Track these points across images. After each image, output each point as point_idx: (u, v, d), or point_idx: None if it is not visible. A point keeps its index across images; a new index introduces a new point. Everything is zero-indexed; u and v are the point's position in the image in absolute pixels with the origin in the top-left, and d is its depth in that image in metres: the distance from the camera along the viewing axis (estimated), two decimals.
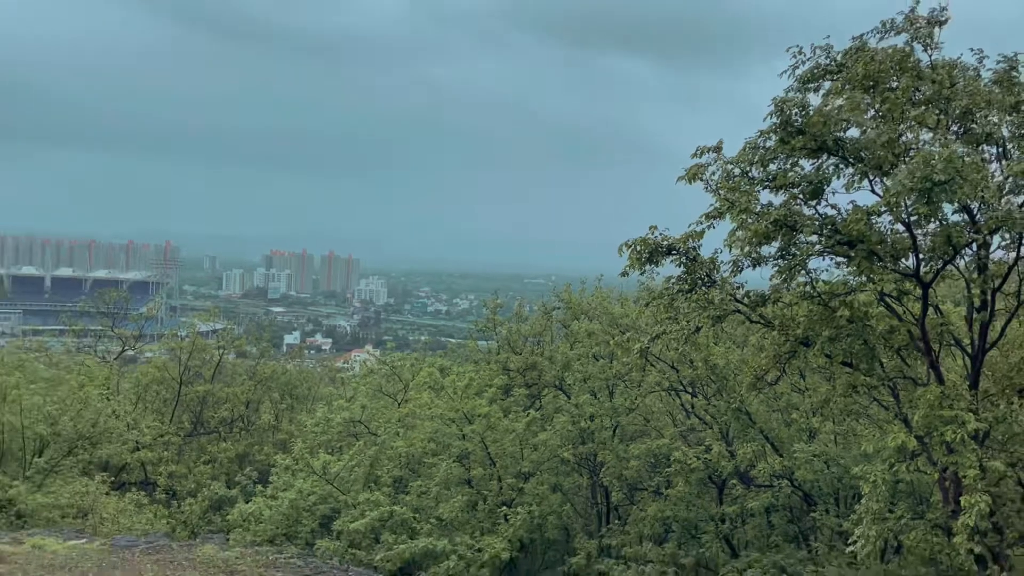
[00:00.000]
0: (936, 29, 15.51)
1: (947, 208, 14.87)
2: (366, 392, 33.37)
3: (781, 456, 23.60)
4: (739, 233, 15.12)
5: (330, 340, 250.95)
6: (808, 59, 15.72)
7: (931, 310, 16.18)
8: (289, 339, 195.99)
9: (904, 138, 14.81)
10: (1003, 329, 16.23)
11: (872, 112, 15.07)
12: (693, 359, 25.25)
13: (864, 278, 15.52)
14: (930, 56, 15.55)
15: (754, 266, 15.84)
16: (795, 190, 15.59)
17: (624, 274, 16.45)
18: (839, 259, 15.93)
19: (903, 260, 15.70)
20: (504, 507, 25.29)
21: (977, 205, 14.94)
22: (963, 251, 15.53)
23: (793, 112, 15.25)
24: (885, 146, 14.44)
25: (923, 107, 14.97)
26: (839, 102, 15.01)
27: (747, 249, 15.30)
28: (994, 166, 15.13)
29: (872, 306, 16.06)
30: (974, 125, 15.08)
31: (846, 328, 15.76)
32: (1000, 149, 15.40)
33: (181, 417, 37.60)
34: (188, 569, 16.08)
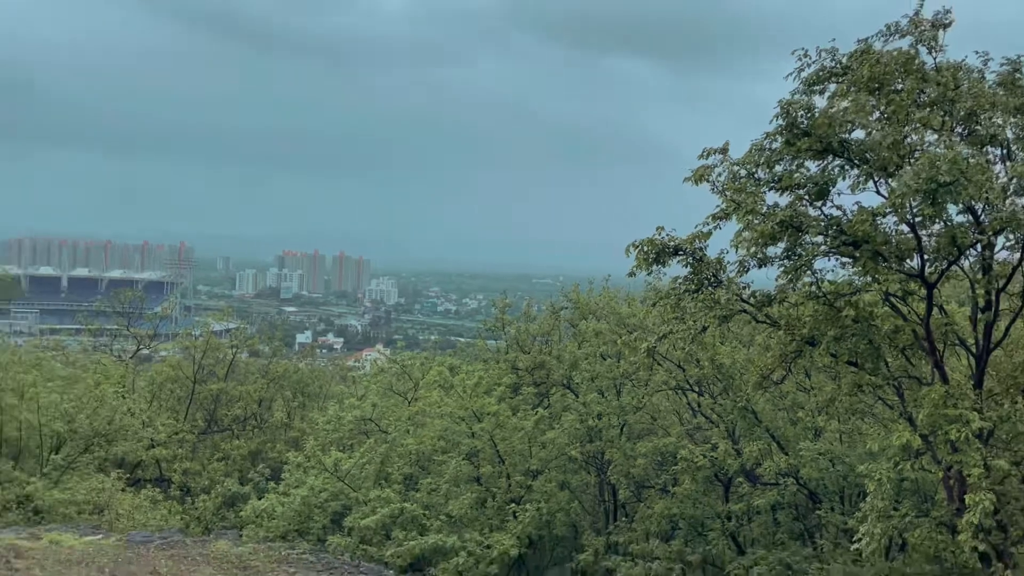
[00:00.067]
0: (940, 32, 15.45)
1: (952, 209, 14.84)
2: (377, 390, 33.40)
3: (787, 454, 23.55)
4: (745, 234, 15.09)
5: (341, 339, 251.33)
6: (813, 62, 15.67)
7: (936, 310, 16.12)
8: (301, 338, 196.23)
9: (909, 140, 14.77)
10: (1007, 329, 16.15)
11: (877, 114, 15.03)
12: (700, 358, 25.20)
13: (869, 278, 15.47)
14: (934, 59, 15.50)
15: (760, 266, 15.82)
16: (801, 191, 15.56)
17: (631, 274, 16.44)
18: (844, 259, 15.89)
19: (908, 260, 15.65)
20: (513, 504, 25.30)
21: (981, 206, 14.89)
22: (968, 252, 15.48)
23: (799, 114, 15.22)
24: (890, 148, 14.39)
25: (928, 109, 14.92)
26: (844, 104, 14.96)
27: (753, 250, 15.27)
28: (998, 167, 15.06)
29: (877, 306, 16.00)
30: (978, 127, 15.02)
31: (851, 328, 15.71)
32: (1004, 151, 15.34)
33: (195, 415, 37.72)
34: (202, 564, 16.12)
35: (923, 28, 15.35)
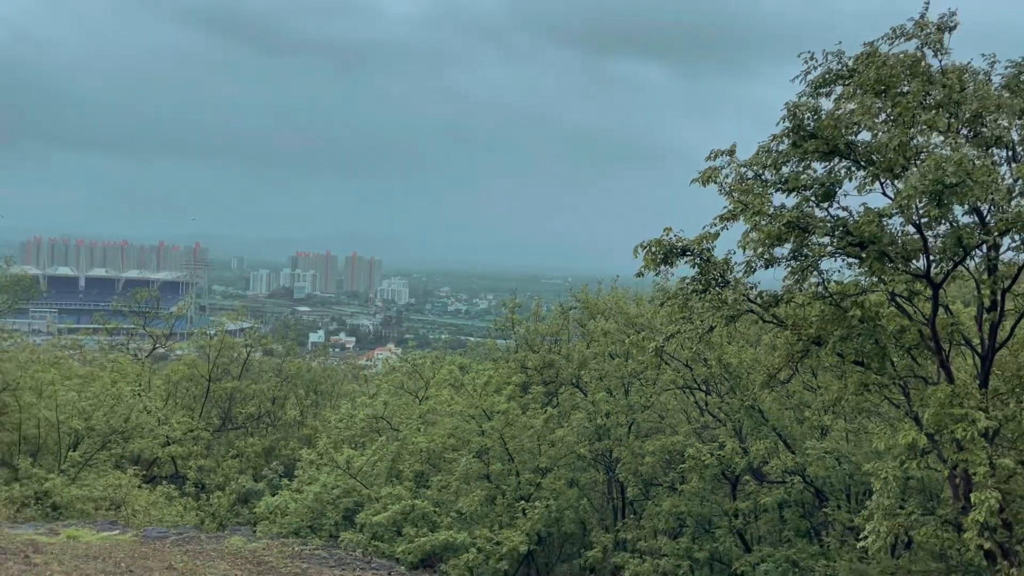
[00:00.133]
0: (946, 35, 15.38)
1: (958, 210, 14.76)
2: (388, 389, 33.41)
3: (793, 453, 23.49)
4: (752, 235, 15.05)
5: (353, 339, 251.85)
6: (819, 65, 15.63)
7: (941, 310, 16.05)
8: (314, 337, 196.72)
9: (915, 142, 14.70)
10: (1012, 329, 16.08)
11: (883, 116, 14.97)
12: (707, 358, 25.16)
13: (875, 279, 15.41)
14: (940, 61, 15.43)
15: (767, 267, 15.77)
16: (807, 192, 15.51)
17: (639, 275, 16.41)
18: (851, 260, 15.83)
19: (914, 261, 15.58)
20: (522, 501, 25.28)
21: (987, 207, 14.82)
22: (973, 252, 15.39)
23: (806, 116, 15.18)
24: (897, 149, 14.33)
25: (934, 111, 14.85)
26: (851, 106, 14.91)
27: (760, 250, 15.23)
28: (1004, 169, 14.98)
29: (883, 306, 15.94)
30: (984, 129, 14.94)
31: (858, 328, 15.65)
32: (1010, 152, 15.26)
33: (210, 413, 37.82)
34: (217, 560, 16.16)
35: (929, 31, 15.29)
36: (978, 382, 15.46)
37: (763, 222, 14.96)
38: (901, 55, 15.07)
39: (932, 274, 15.58)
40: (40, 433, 27.97)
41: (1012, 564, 14.61)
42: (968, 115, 14.77)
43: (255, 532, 21.44)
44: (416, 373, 33.97)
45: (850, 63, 15.40)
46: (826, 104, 15.46)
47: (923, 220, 14.87)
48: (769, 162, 15.51)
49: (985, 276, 15.38)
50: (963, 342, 16.69)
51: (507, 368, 31.85)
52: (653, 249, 15.79)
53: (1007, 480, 15.16)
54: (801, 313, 16.45)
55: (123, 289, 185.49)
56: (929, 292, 15.73)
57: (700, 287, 16.05)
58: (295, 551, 17.84)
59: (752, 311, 16.78)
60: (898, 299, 15.89)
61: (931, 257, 15.48)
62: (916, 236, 15.32)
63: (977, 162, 13.49)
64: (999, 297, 15.45)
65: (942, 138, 14.72)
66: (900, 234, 15.51)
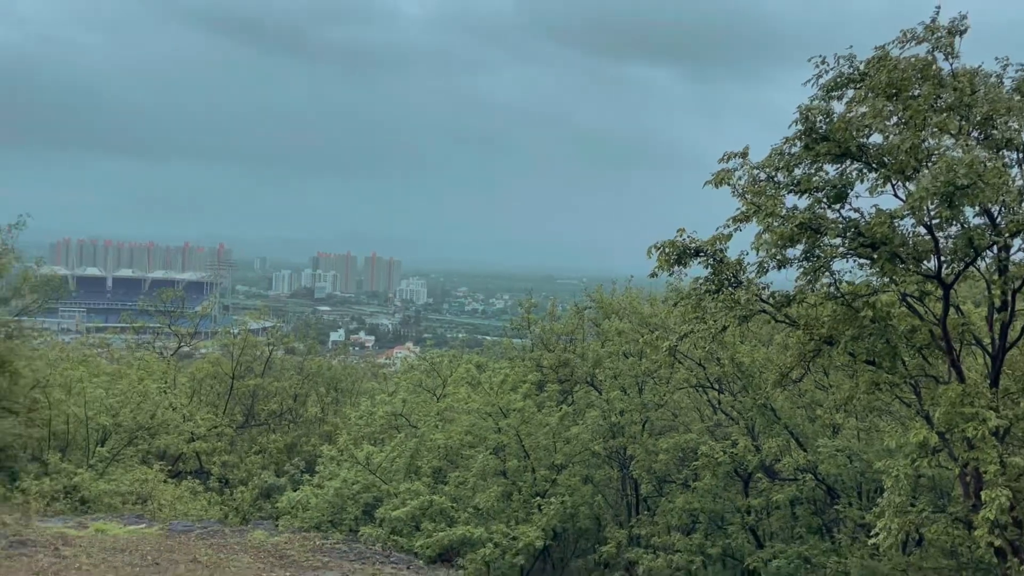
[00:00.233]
0: (956, 38, 15.26)
1: (969, 212, 14.65)
2: (407, 387, 33.47)
3: (805, 451, 23.36)
4: (765, 236, 14.99)
5: (373, 338, 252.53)
6: (831, 68, 15.53)
7: (952, 310, 15.92)
8: (334, 336, 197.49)
9: (926, 144, 14.60)
10: (1023, 329, 15.94)
11: (895, 119, 14.87)
12: (720, 357, 25.06)
13: (887, 279, 15.30)
14: (951, 64, 15.30)
15: (779, 268, 15.69)
16: (819, 194, 15.42)
17: (653, 275, 16.37)
18: (862, 261, 15.73)
19: (925, 262, 15.46)
20: (538, 497, 25.26)
21: (998, 208, 14.70)
22: (984, 253, 15.27)
23: (817, 119, 15.10)
24: (908, 152, 14.23)
25: (945, 114, 14.73)
26: (862, 109, 14.82)
27: (773, 251, 15.16)
28: (1015, 171, 14.86)
29: (895, 306, 15.83)
30: (995, 131, 14.81)
31: (869, 328, 15.55)
32: (1020, 154, 15.12)
33: (233, 410, 38.00)
34: (240, 553, 16.23)
35: (940, 35, 15.17)
36: (989, 381, 15.33)
37: (776, 223, 14.89)
38: (912, 59, 14.96)
39: (943, 275, 15.46)
40: (69, 429, 28.16)
41: (1022, 561, 14.49)
42: (979, 118, 14.63)
43: (277, 526, 21.50)
44: (434, 371, 34.01)
45: (861, 67, 15.30)
46: (838, 107, 15.39)
47: (934, 221, 14.77)
48: (781, 164, 15.43)
49: (996, 277, 15.26)
50: (974, 342, 16.55)
51: (523, 367, 31.84)
52: (667, 250, 15.75)
53: (1017, 478, 14.99)
54: (813, 313, 16.35)
55: (149, 289, 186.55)
56: (940, 292, 15.61)
57: (713, 287, 15.99)
58: (316, 545, 17.89)
59: (764, 311, 16.71)
60: (909, 299, 15.77)
61: (942, 258, 15.37)
62: (927, 237, 15.21)
63: (988, 164, 13.39)
64: (1010, 297, 15.31)
65: (953, 141, 14.61)
66: (911, 235, 15.41)
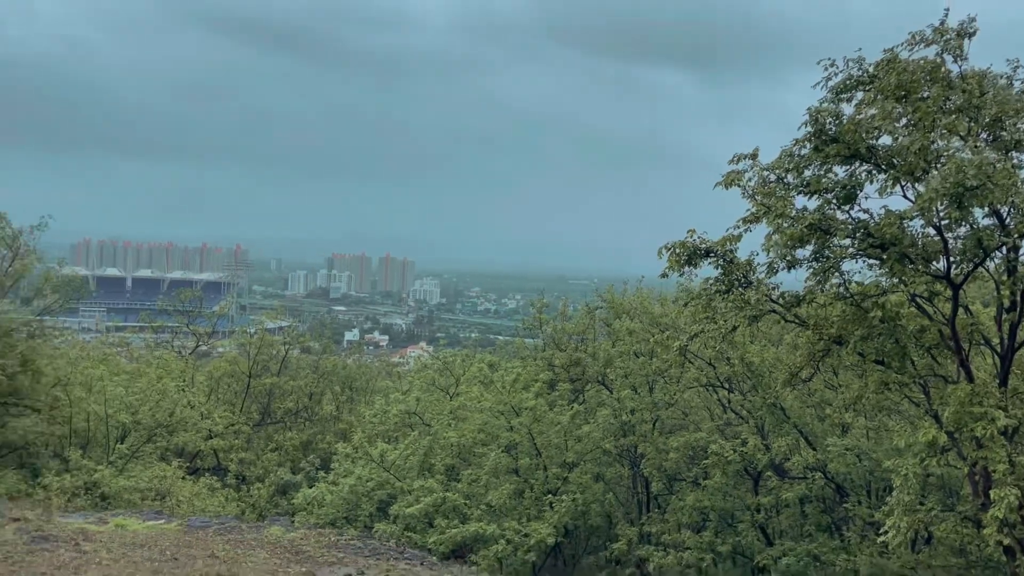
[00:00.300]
0: (965, 41, 15.15)
1: (978, 212, 14.54)
2: (420, 386, 33.50)
3: (814, 449, 23.25)
4: (775, 237, 14.93)
5: (387, 337, 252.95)
6: (840, 71, 15.45)
7: (961, 311, 15.83)
8: (349, 336, 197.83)
9: (935, 145, 14.51)
10: None
11: (904, 121, 14.79)
12: (730, 357, 24.99)
13: (896, 280, 15.23)
14: (960, 67, 15.20)
15: (789, 268, 15.64)
16: (829, 195, 15.36)
17: (664, 275, 16.32)
18: (872, 261, 15.65)
19: (934, 262, 15.37)
20: (549, 495, 25.25)
21: (1007, 209, 14.60)
22: (993, 254, 15.17)
23: (827, 121, 15.03)
24: (917, 153, 14.15)
25: (954, 115, 14.65)
26: (872, 111, 14.75)
27: (782, 252, 15.11)
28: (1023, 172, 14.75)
29: (904, 307, 15.75)
30: (1004, 133, 14.72)
31: (878, 328, 15.47)
32: None
33: (250, 408, 38.12)
34: (257, 548, 16.28)
35: (948, 37, 15.08)
36: (998, 381, 15.22)
37: (785, 224, 14.83)
38: (921, 61, 14.87)
39: (952, 275, 15.37)
40: (90, 426, 28.32)
41: None
42: (988, 119, 14.55)
43: (293, 522, 21.57)
44: (447, 370, 34.04)
45: (871, 69, 15.21)
46: (847, 109, 15.32)
47: (943, 222, 14.68)
48: (791, 166, 15.38)
49: (1005, 277, 15.14)
50: (983, 342, 16.45)
51: (535, 366, 31.83)
52: (677, 251, 15.71)
53: None
54: (823, 313, 16.29)
55: (168, 289, 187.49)
56: (949, 293, 15.52)
57: (723, 287, 15.95)
58: (331, 541, 17.93)
59: (774, 311, 16.65)
60: (918, 299, 15.69)
61: (951, 258, 15.27)
62: (936, 238, 15.13)
63: (998, 165, 13.29)
64: (1019, 298, 15.20)
65: (962, 142, 14.52)
66: (920, 236, 15.32)
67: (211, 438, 32.17)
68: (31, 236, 26.82)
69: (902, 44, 15.22)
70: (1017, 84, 15.04)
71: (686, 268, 15.97)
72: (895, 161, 14.78)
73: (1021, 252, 15.14)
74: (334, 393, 40.24)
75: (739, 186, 15.66)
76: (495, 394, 27.66)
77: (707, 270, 16.21)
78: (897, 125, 14.67)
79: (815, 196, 15.42)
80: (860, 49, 15.43)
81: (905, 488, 14.54)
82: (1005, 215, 14.70)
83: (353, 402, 40.83)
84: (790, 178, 15.55)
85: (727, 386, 26.71)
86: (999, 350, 15.79)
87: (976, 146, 14.02)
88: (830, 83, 15.46)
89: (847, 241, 15.27)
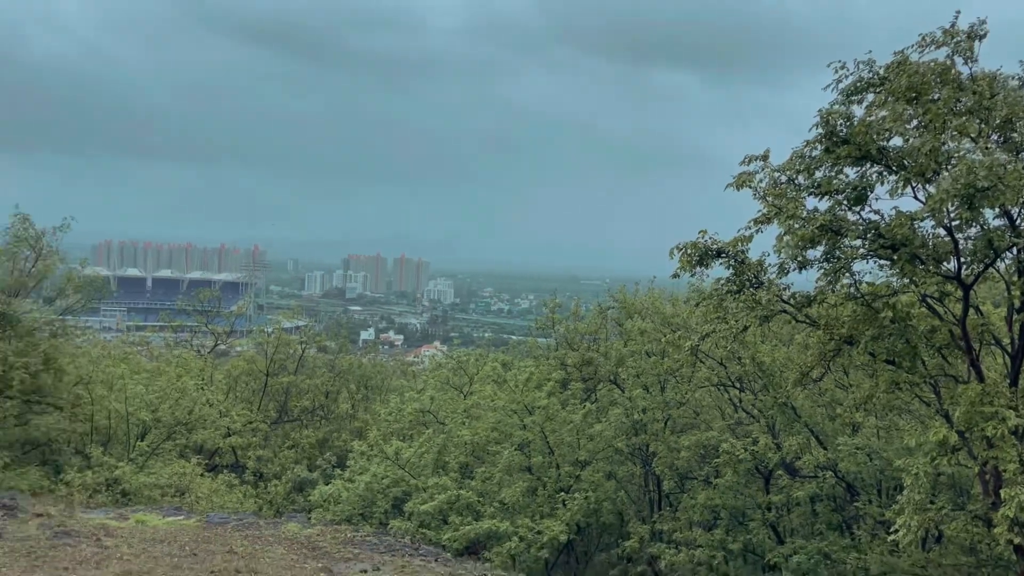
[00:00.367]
0: (976, 43, 15.05)
1: (988, 213, 14.45)
2: (435, 384, 33.56)
3: (825, 449, 23.14)
4: (786, 237, 14.87)
5: (402, 336, 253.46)
6: (851, 73, 15.38)
7: (972, 311, 15.73)
8: (364, 335, 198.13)
9: (946, 147, 14.42)
10: None
11: (915, 122, 14.71)
12: (741, 356, 24.90)
13: (907, 280, 15.15)
14: (970, 68, 15.10)
15: (800, 269, 15.58)
16: (840, 196, 15.29)
17: (675, 276, 16.28)
18: (882, 262, 15.57)
19: (945, 263, 15.28)
20: (562, 493, 25.23)
21: (1018, 210, 14.51)
22: (1004, 254, 15.07)
23: (838, 123, 14.97)
24: (928, 154, 14.07)
25: (964, 117, 14.55)
26: (882, 113, 14.67)
27: (794, 252, 15.05)
28: None
29: (914, 307, 15.66)
30: (1014, 134, 14.62)
31: (889, 328, 15.38)
32: None
33: (268, 406, 38.24)
34: (274, 544, 16.32)
35: (959, 39, 14.98)
36: (1008, 381, 15.11)
37: (796, 225, 14.77)
38: (932, 63, 14.78)
39: (963, 276, 15.27)
40: (111, 424, 28.49)
41: None
42: (999, 121, 14.44)
43: (310, 519, 21.60)
44: (461, 369, 34.07)
45: (881, 71, 15.13)
46: (858, 111, 15.24)
47: (954, 223, 14.58)
48: (802, 167, 15.31)
49: (1015, 278, 15.05)
50: (993, 342, 16.34)
51: (547, 365, 31.82)
52: (689, 251, 15.68)
53: None
54: (833, 313, 16.21)
55: (187, 289, 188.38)
56: (960, 293, 15.42)
57: (735, 288, 15.90)
58: (347, 537, 17.95)
59: (785, 311, 16.58)
60: (929, 300, 15.60)
61: (962, 259, 15.17)
62: (947, 239, 15.03)
63: (1008, 167, 13.20)
64: None
65: (973, 144, 14.43)
66: (931, 237, 15.23)
67: (229, 436, 32.28)
68: (54, 237, 26.98)
69: (912, 46, 15.13)
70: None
71: (697, 268, 15.93)
72: (906, 162, 14.69)
73: None
74: (350, 392, 40.33)
75: (750, 187, 15.62)
76: (508, 393, 27.66)
77: (718, 270, 16.18)
78: (908, 127, 14.59)
79: (826, 197, 15.35)
80: (870, 52, 15.37)
81: (916, 487, 14.45)
82: (1016, 216, 14.61)
83: (368, 400, 40.91)
84: (801, 179, 15.49)
85: (738, 385, 26.61)
86: (1010, 350, 15.68)
87: (987, 147, 13.94)
88: (841, 85, 15.39)
89: (858, 242, 15.19)
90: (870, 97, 15.24)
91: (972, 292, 15.53)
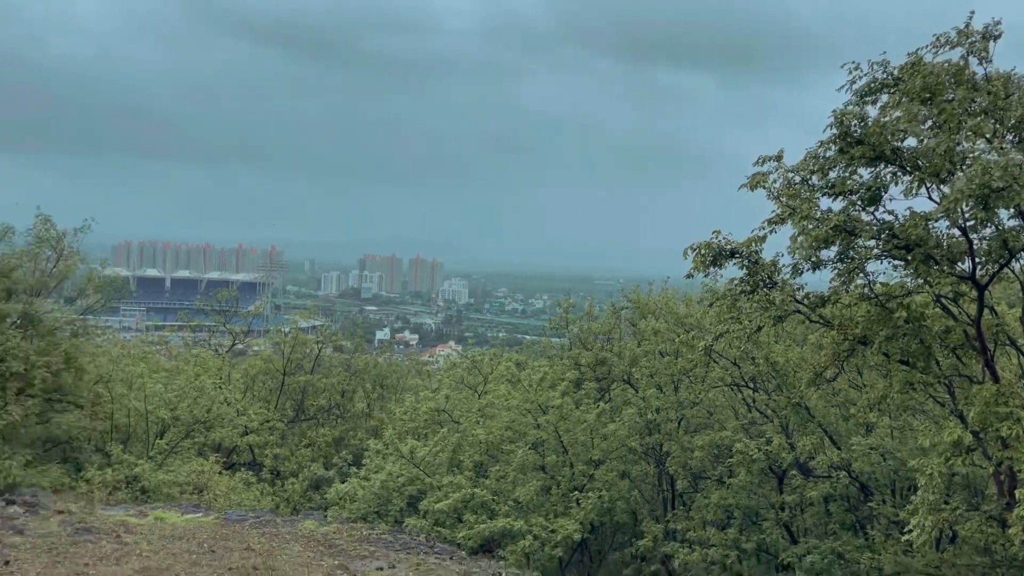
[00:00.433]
0: (991, 43, 14.93)
1: (1003, 213, 14.33)
2: (449, 384, 33.56)
3: (839, 448, 23.00)
4: (800, 238, 14.81)
5: (417, 336, 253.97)
6: (865, 74, 15.29)
7: (986, 311, 15.60)
8: (380, 335, 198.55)
9: (961, 147, 14.32)
10: None
11: (929, 123, 14.61)
12: (755, 356, 24.79)
13: (921, 280, 15.05)
14: (984, 69, 14.97)
15: (814, 269, 15.51)
16: (854, 197, 15.20)
17: (689, 276, 16.24)
18: (897, 263, 15.48)
19: (959, 263, 15.17)
20: (576, 492, 25.18)
21: None
22: (1018, 255, 14.95)
23: (852, 124, 14.89)
24: (943, 155, 13.97)
25: (979, 117, 14.44)
26: (896, 114, 14.58)
27: (807, 253, 14.98)
28: None
29: (929, 307, 15.56)
30: None
31: (903, 328, 15.29)
32: None
33: (284, 405, 38.38)
34: (291, 541, 16.38)
35: (973, 39, 14.86)
36: (1023, 381, 14.99)
37: (810, 226, 14.71)
38: (946, 63, 14.67)
39: (977, 276, 15.15)
40: (130, 422, 28.64)
41: None
42: (1013, 121, 14.31)
43: (326, 516, 21.68)
44: (475, 369, 34.06)
45: (895, 72, 15.03)
46: (872, 112, 15.16)
47: (969, 223, 14.47)
48: (816, 167, 15.24)
49: None
50: (1008, 342, 16.22)
51: (561, 365, 31.76)
52: (702, 251, 15.63)
53: None
54: (847, 313, 16.12)
55: (205, 289, 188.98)
56: (974, 293, 15.30)
57: (748, 288, 15.84)
58: (363, 535, 18.01)
59: (799, 311, 16.50)
60: (943, 300, 15.49)
61: (976, 259, 15.06)
62: (961, 239, 14.92)
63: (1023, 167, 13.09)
64: None
65: (987, 144, 14.31)
66: (945, 237, 15.13)
67: (247, 434, 32.41)
68: (74, 238, 27.19)
69: (926, 47, 15.03)
70: None
71: (711, 269, 15.89)
72: (920, 163, 14.60)
73: None
74: (365, 391, 40.41)
75: (764, 188, 15.56)
76: (522, 392, 27.63)
77: (732, 271, 16.12)
78: (922, 127, 14.49)
79: (840, 198, 15.27)
80: (884, 53, 15.28)
81: (930, 487, 14.34)
82: None
83: (384, 399, 40.98)
84: (815, 180, 15.42)
85: (752, 385, 26.50)
86: None
87: (1002, 148, 13.82)
88: (855, 86, 15.31)
89: (872, 242, 15.11)
90: (884, 98, 15.15)
91: (987, 292, 15.41)
